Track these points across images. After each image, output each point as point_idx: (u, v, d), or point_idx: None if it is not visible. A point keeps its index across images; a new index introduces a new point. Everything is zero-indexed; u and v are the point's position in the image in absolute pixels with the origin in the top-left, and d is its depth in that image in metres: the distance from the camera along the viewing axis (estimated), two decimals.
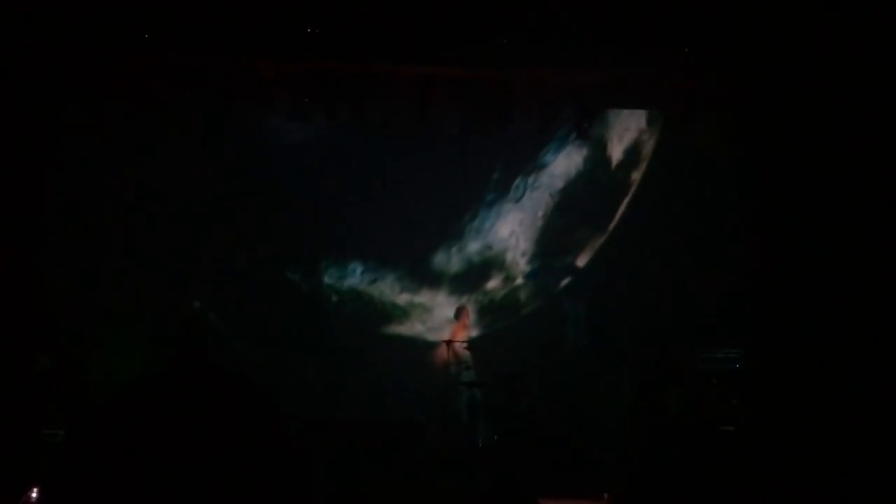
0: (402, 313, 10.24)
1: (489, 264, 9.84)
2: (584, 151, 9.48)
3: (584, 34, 7.03)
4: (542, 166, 9.46)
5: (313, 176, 9.66)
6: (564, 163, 9.45)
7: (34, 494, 6.09)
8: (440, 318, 10.17)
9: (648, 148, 9.52)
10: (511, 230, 9.67)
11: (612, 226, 9.67)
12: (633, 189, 9.60)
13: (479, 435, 8.46)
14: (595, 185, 9.54)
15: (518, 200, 9.56)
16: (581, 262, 9.95)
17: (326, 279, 10.29)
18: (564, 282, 10.04)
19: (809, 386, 7.14)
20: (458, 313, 9.53)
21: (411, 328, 10.33)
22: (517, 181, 9.52)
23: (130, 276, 9.43)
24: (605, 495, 6.71)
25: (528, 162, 9.46)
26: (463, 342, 8.89)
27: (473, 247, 9.75)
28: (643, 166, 9.57)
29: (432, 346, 9.53)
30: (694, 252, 8.73)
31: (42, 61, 8.14)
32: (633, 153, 9.55)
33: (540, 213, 9.59)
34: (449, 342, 8.83)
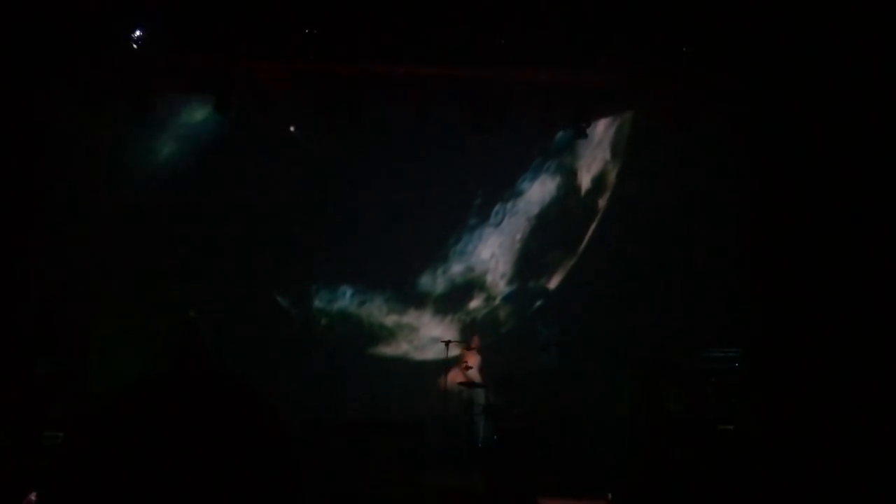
0: (389, 334, 10.86)
1: (471, 285, 10.61)
2: (557, 179, 10.44)
3: (582, 34, 7.12)
4: (520, 193, 10.37)
5: (307, 203, 10.29)
6: (539, 190, 10.38)
7: (34, 497, 5.99)
8: (425, 338, 10.83)
9: (612, 176, 10.57)
10: (491, 252, 10.50)
11: (581, 248, 10.61)
12: (600, 214, 10.59)
13: (478, 435, 8.77)
14: (566, 210, 10.48)
15: (498, 225, 10.42)
16: (553, 283, 10.81)
17: (317, 302, 10.85)
18: (538, 303, 10.86)
19: (808, 384, 7.08)
20: (470, 340, 9.89)
21: (398, 348, 10.94)
22: (497, 207, 10.39)
23: (129, 280, 9.63)
24: (609, 495, 6.82)
25: (507, 189, 10.36)
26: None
27: (457, 269, 10.52)
28: (608, 193, 10.59)
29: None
30: (688, 254, 8.99)
31: (41, 61, 8.27)
32: (599, 181, 10.56)
33: (518, 237, 10.46)
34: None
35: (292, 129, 10.55)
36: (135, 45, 8.32)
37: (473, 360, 9.47)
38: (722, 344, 8.22)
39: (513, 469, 8.37)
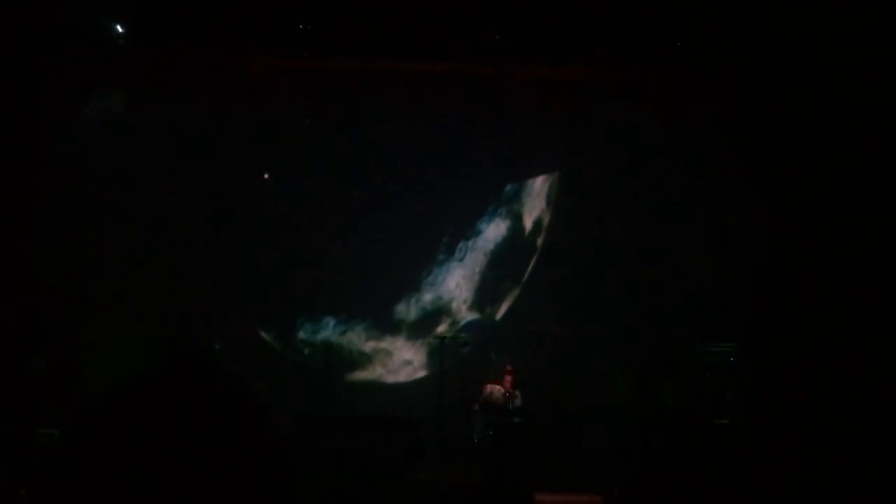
0: (367, 359, 12.37)
1: (439, 312, 12.45)
2: (507, 222, 12.69)
3: (576, 29, 7.29)
4: (479, 233, 12.52)
5: (292, 239, 11.68)
6: (494, 230, 12.58)
7: (24, 493, 6.25)
8: (398, 361, 12.45)
9: (546, 220, 12.96)
10: (456, 283, 12.46)
11: (524, 278, 12.82)
12: (538, 251, 12.89)
13: (474, 430, 9.45)
14: (514, 247, 12.73)
15: (461, 260, 12.45)
16: (501, 313, 12.78)
17: (302, 334, 12.16)
18: (490, 331, 12.76)
19: (803, 379, 6.99)
20: (502, 367, 10.21)
21: (373, 372, 12.44)
22: (461, 244, 12.45)
23: (123, 277, 9.94)
24: (615, 490, 6.89)
25: (469, 229, 12.47)
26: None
27: (427, 297, 12.37)
28: (543, 234, 12.94)
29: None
30: (683, 249, 9.40)
31: (37, 60, 8.44)
32: (538, 224, 12.91)
33: (477, 270, 12.53)
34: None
35: (266, 175, 11.96)
36: (122, 41, 8.49)
37: (504, 385, 9.79)
38: (717, 339, 8.28)
39: (509, 464, 8.78)
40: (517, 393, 9.60)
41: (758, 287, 7.80)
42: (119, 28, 8.81)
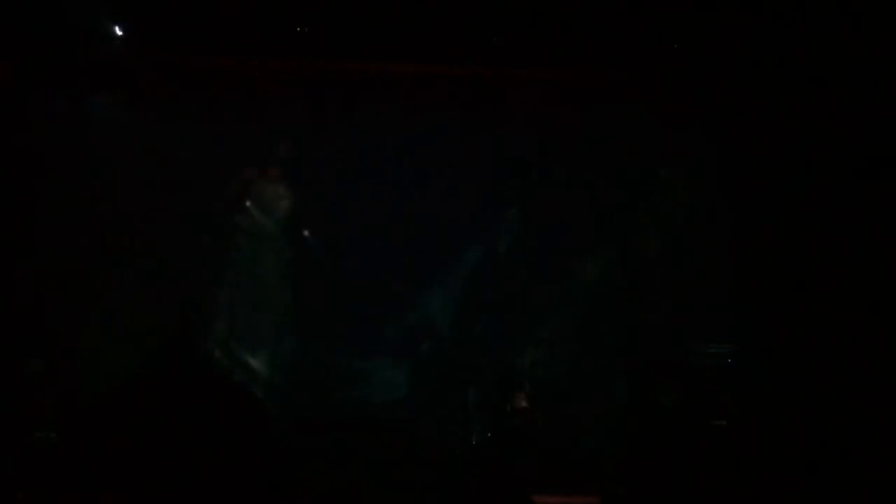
0: (356, 376, 12.48)
1: (426, 325, 12.73)
2: (487, 240, 13.17)
3: (573, 31, 7.30)
4: (462, 250, 12.92)
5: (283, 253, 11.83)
6: (476, 248, 13.03)
7: (21, 496, 6.16)
8: (384, 376, 12.61)
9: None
10: (441, 300, 12.79)
11: (508, 288, 13.19)
12: (521, 259, 13.28)
13: (472, 432, 9.69)
14: (496, 262, 13.14)
15: (446, 277, 12.80)
16: (485, 322, 13.09)
17: (289, 355, 12.21)
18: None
19: (802, 380, 7.00)
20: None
21: (360, 389, 12.55)
22: (444, 261, 12.81)
23: (122, 278, 9.85)
24: (619, 490, 6.84)
25: (452, 248, 12.86)
26: None
27: (414, 314, 12.64)
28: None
29: None
30: (682, 248, 9.44)
31: (33, 60, 8.45)
32: (515, 239, 13.39)
33: (461, 286, 12.90)
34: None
35: (248, 203, 12.13)
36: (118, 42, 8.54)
37: (520, 399, 9.88)
38: (715, 340, 8.25)
39: (507, 466, 8.91)
40: (522, 395, 9.85)
41: (756, 288, 7.84)
42: (116, 30, 8.88)
